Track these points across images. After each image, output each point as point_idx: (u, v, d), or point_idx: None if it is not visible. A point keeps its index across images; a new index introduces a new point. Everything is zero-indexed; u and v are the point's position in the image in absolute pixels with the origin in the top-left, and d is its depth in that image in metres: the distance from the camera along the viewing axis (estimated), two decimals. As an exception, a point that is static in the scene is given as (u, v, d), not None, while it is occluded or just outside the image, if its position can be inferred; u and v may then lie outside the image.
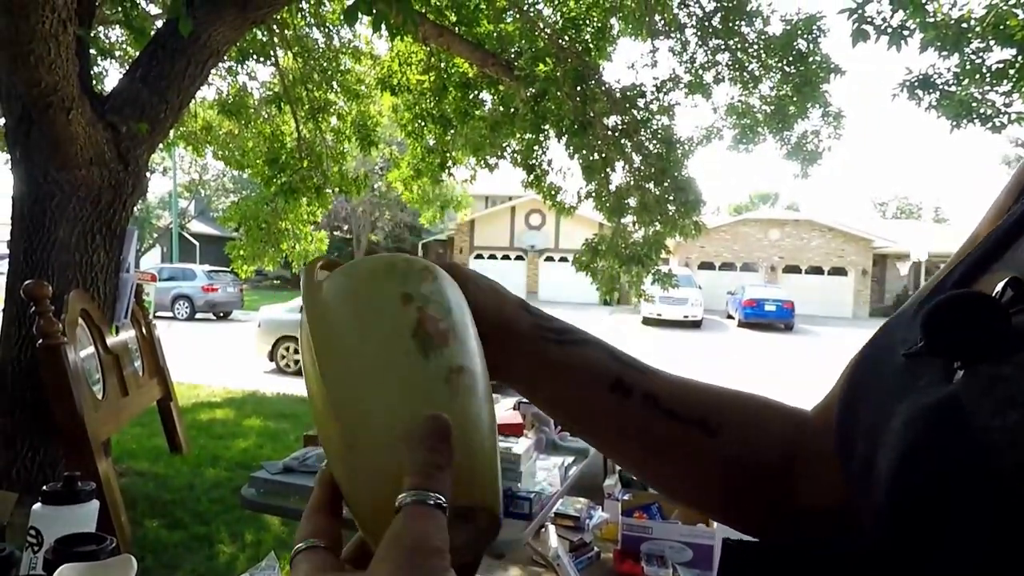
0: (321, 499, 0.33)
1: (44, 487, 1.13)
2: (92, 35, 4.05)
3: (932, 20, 4.31)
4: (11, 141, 3.20)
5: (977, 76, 4.51)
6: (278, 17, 5.84)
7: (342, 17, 4.50)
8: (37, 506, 1.10)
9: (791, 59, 5.82)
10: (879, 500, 0.25)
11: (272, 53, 6.64)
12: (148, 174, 3.72)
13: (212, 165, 25.22)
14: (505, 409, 2.61)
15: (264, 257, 7.29)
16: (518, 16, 6.11)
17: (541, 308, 0.46)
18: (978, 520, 0.21)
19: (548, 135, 6.43)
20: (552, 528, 2.42)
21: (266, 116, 7.32)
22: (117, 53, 6.73)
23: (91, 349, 3.22)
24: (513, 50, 6.13)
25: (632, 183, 6.36)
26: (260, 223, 7.13)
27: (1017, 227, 0.29)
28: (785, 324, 18.08)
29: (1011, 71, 4.43)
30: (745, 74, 6.14)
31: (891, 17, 4.28)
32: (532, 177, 6.82)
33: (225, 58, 5.71)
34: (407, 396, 0.31)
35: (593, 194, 6.46)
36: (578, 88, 5.72)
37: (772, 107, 6.23)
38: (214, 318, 16.49)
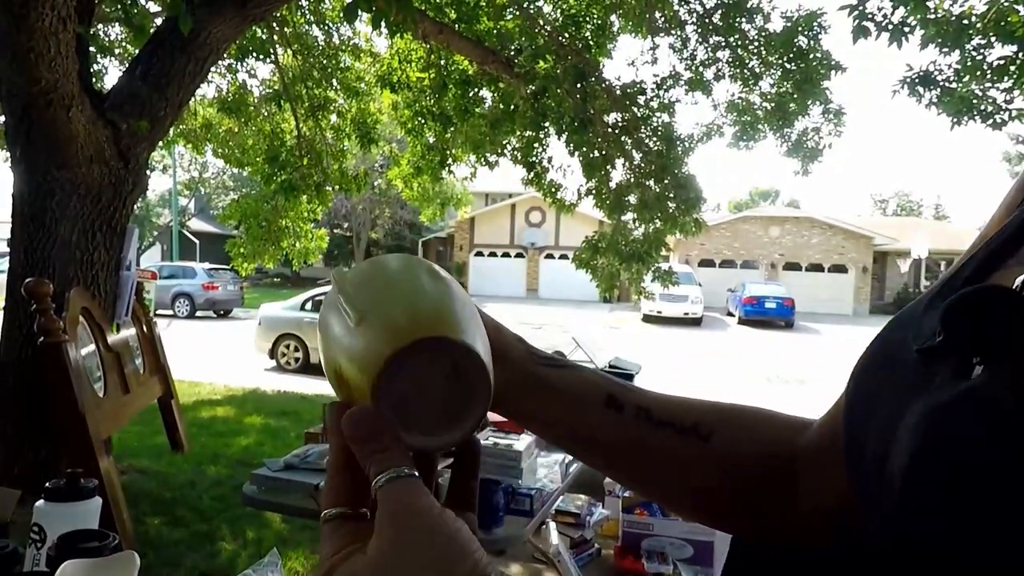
0: (342, 460, 0.33)
1: (47, 484, 1.13)
2: (92, 33, 4.05)
3: (933, 16, 4.30)
4: (11, 139, 3.20)
5: (978, 73, 4.51)
6: (278, 15, 5.83)
7: (342, 15, 4.50)
8: (40, 503, 1.10)
9: (792, 56, 5.81)
10: (891, 497, 0.25)
11: (272, 51, 6.63)
12: (148, 172, 3.72)
13: (212, 163, 25.22)
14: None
15: (264, 255, 7.29)
16: (518, 13, 6.10)
17: (541, 305, 0.47)
18: (1009, 515, 0.20)
19: (548, 132, 6.42)
20: (553, 525, 2.42)
21: (266, 114, 7.32)
22: (117, 51, 6.72)
23: (92, 347, 3.22)
24: (513, 47, 6.11)
25: (632, 180, 6.35)
26: (260, 221, 7.13)
27: None
28: (785, 321, 18.08)
29: (1012, 68, 4.42)
30: (746, 71, 6.13)
31: (892, 14, 4.27)
32: (532, 174, 6.81)
33: (225, 56, 5.70)
34: (411, 284, 0.35)
35: (593, 191, 6.46)
36: (578, 85, 5.71)
37: (773, 104, 6.22)
38: (214, 316, 16.50)
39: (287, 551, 3.08)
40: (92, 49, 4.48)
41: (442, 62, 6.74)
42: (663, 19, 6.14)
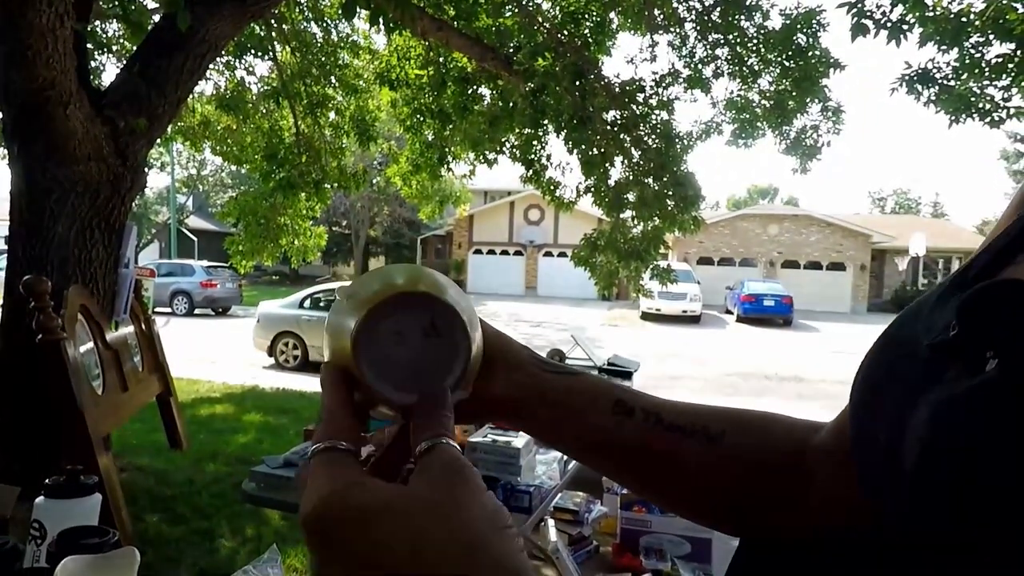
0: (338, 398, 0.33)
1: (47, 481, 1.13)
2: (89, 29, 4.04)
3: (931, 14, 4.30)
4: (9, 137, 3.19)
5: (976, 70, 4.51)
6: (276, 11, 5.81)
7: (340, 11, 4.49)
8: (40, 499, 1.10)
9: (790, 54, 5.81)
10: (903, 488, 0.25)
11: (270, 48, 6.62)
12: (146, 169, 3.71)
13: (210, 160, 25.17)
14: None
15: (263, 252, 7.29)
16: (517, 10, 6.09)
17: (540, 302, 0.47)
18: (1021, 505, 0.20)
19: (547, 130, 6.42)
20: (551, 522, 2.43)
21: (264, 111, 7.30)
22: (115, 48, 6.70)
23: (91, 345, 3.22)
24: (512, 45, 6.11)
25: (631, 178, 6.35)
26: (259, 218, 7.13)
27: None
28: (784, 319, 18.11)
29: (1010, 65, 4.42)
30: (744, 69, 6.13)
31: (890, 11, 4.27)
32: (531, 172, 6.81)
33: (223, 53, 5.69)
34: (408, 267, 0.37)
35: (592, 189, 6.46)
36: (577, 83, 5.70)
37: (771, 102, 6.22)
38: (213, 314, 16.49)
39: (286, 548, 3.09)
40: (90, 46, 4.46)
41: (441, 59, 6.73)
42: (662, 16, 6.14)
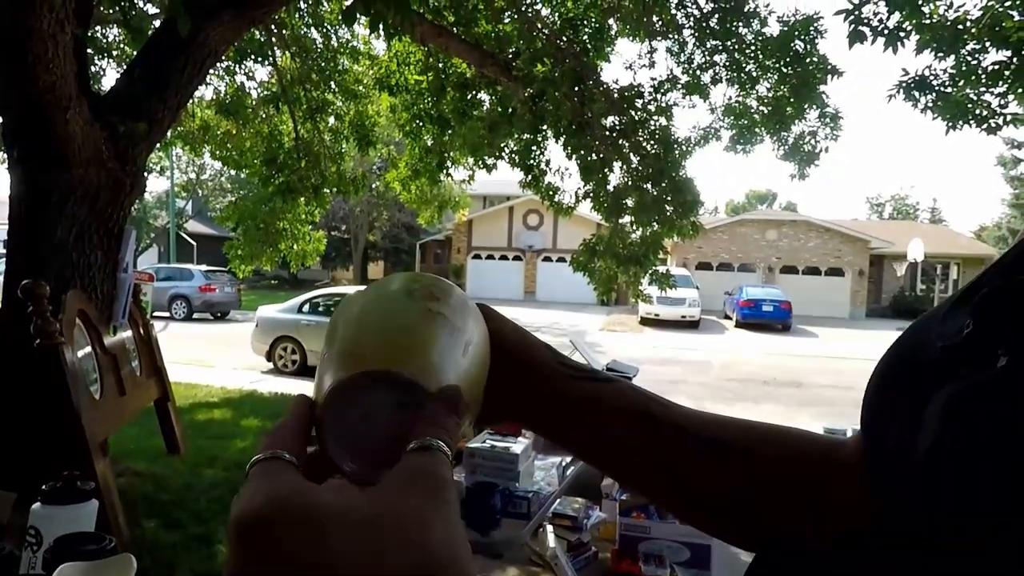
0: (293, 421, 0.31)
1: (43, 487, 1.13)
2: (90, 34, 4.05)
3: (928, 22, 4.33)
4: (9, 141, 3.19)
5: (973, 77, 4.53)
6: (276, 17, 5.83)
7: (340, 17, 4.51)
8: (36, 506, 1.10)
9: (788, 60, 5.84)
10: (915, 477, 0.26)
11: (270, 53, 6.64)
12: (146, 174, 3.71)
13: (209, 165, 25.18)
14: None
15: (262, 257, 7.30)
16: (516, 16, 6.12)
17: (539, 307, 0.47)
18: None
19: (546, 135, 6.44)
20: (550, 528, 2.42)
21: (264, 116, 7.32)
22: (115, 52, 6.72)
23: (88, 349, 3.21)
24: (511, 50, 6.13)
25: (630, 183, 6.37)
26: (258, 223, 7.13)
27: None
28: (782, 324, 18.12)
29: (1006, 72, 4.45)
30: (742, 75, 6.16)
31: (887, 19, 4.29)
32: (530, 177, 6.83)
33: (223, 58, 5.70)
34: (388, 314, 0.36)
35: (591, 194, 6.47)
36: (576, 88, 5.72)
37: (769, 108, 6.25)
38: (211, 318, 16.46)
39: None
40: (90, 51, 4.47)
41: (440, 65, 6.76)
42: (660, 23, 6.17)
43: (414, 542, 0.24)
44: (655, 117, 6.35)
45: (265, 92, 7.34)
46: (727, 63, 6.18)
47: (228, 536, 0.26)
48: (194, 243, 26.44)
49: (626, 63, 6.82)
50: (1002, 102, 4.63)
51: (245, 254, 7.21)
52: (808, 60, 5.79)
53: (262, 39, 6.43)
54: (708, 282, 21.51)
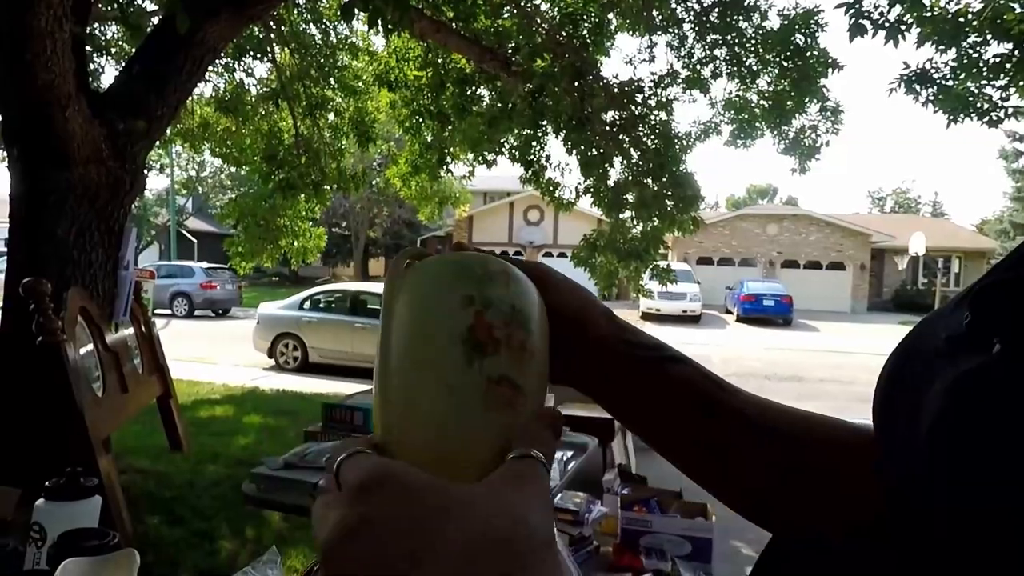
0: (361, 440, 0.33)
1: (47, 483, 1.13)
2: (88, 32, 4.04)
3: (929, 14, 4.31)
4: (8, 139, 3.19)
5: (974, 70, 4.51)
6: (275, 13, 5.82)
7: (339, 13, 4.49)
8: (40, 502, 1.10)
9: (789, 54, 5.81)
10: (920, 450, 0.28)
11: (269, 49, 6.62)
12: (146, 171, 3.71)
13: (210, 162, 25.17)
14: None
15: (262, 254, 7.29)
16: (515, 11, 6.10)
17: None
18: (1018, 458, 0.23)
19: (546, 131, 6.42)
20: (551, 522, 2.42)
21: (263, 113, 7.31)
22: (113, 50, 6.71)
23: (91, 347, 3.22)
24: (510, 46, 6.11)
25: (630, 178, 6.36)
26: (258, 220, 7.13)
27: None
28: (783, 319, 18.12)
29: (1008, 65, 4.43)
30: (743, 69, 6.14)
31: (888, 11, 4.28)
32: (530, 173, 6.82)
33: (222, 55, 5.69)
34: (444, 399, 0.33)
35: (591, 189, 6.46)
36: (576, 83, 5.71)
37: (770, 102, 6.23)
38: (213, 315, 16.49)
39: (287, 549, 3.09)
40: (89, 48, 4.47)
41: (440, 60, 6.74)
42: (660, 17, 6.15)
43: (519, 518, 0.27)
44: (655, 112, 6.33)
45: (264, 89, 7.33)
46: (727, 57, 6.16)
47: (347, 491, 0.28)
48: (195, 240, 26.45)
49: (626, 58, 6.78)
50: (1004, 95, 4.62)
51: (246, 251, 7.21)
52: (808, 54, 5.77)
53: (261, 35, 6.42)
54: (709, 277, 21.50)
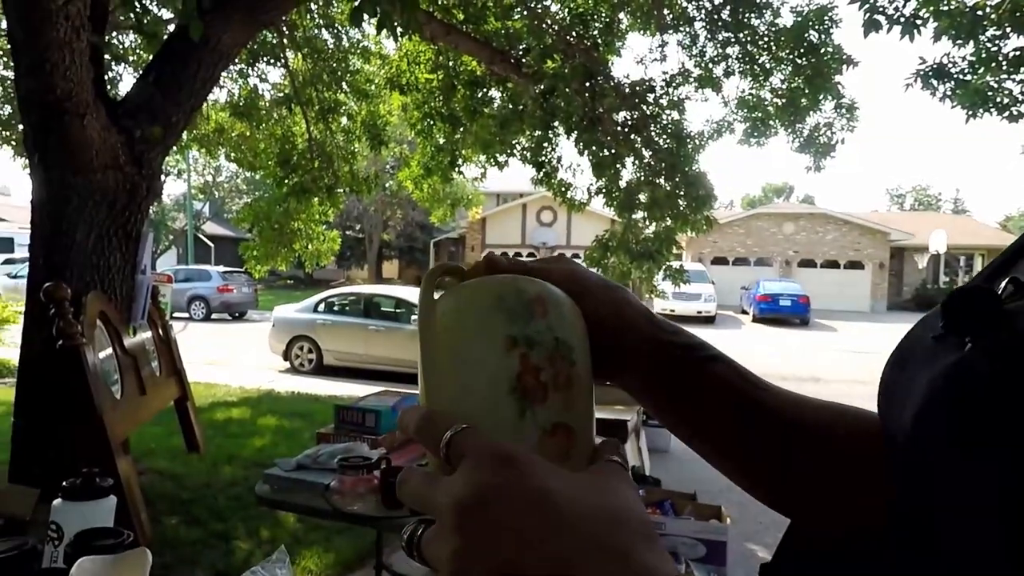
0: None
1: (64, 483, 1.16)
2: (107, 40, 4.12)
3: (946, 8, 4.24)
4: (30, 147, 3.26)
5: (993, 64, 4.43)
6: (287, 19, 5.88)
7: (348, 18, 4.53)
8: (57, 501, 1.13)
9: (802, 51, 5.75)
10: (905, 436, 0.32)
11: (282, 55, 6.70)
12: (163, 177, 3.77)
13: (226, 167, 25.51)
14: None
15: (277, 257, 7.37)
16: (525, 13, 6.11)
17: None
18: (984, 442, 0.27)
19: (557, 132, 6.42)
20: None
21: (277, 118, 7.39)
22: (131, 58, 6.83)
23: (109, 350, 3.28)
24: (521, 47, 6.12)
25: (642, 178, 6.33)
26: (272, 224, 7.20)
27: None
28: (801, 319, 17.90)
29: (1028, 58, 4.34)
30: (756, 67, 6.09)
31: (903, 6, 4.22)
32: (542, 174, 6.82)
33: (236, 61, 5.76)
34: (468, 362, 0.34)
35: (603, 190, 6.45)
36: (587, 84, 5.70)
37: (784, 100, 6.17)
38: (229, 318, 16.68)
39: (301, 550, 3.11)
40: (107, 56, 4.55)
41: (450, 63, 6.77)
42: (671, 16, 6.12)
43: (635, 510, 0.31)
44: (667, 111, 6.30)
45: (278, 94, 7.41)
46: (740, 55, 6.12)
47: (477, 460, 0.30)
48: (211, 244, 26.80)
49: (637, 57, 6.74)
50: (1023, 89, 4.53)
51: (260, 255, 7.29)
52: (823, 51, 5.70)
53: (274, 41, 6.50)
54: (724, 277, 21.31)
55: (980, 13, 4.25)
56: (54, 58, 2.60)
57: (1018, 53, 4.37)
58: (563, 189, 6.89)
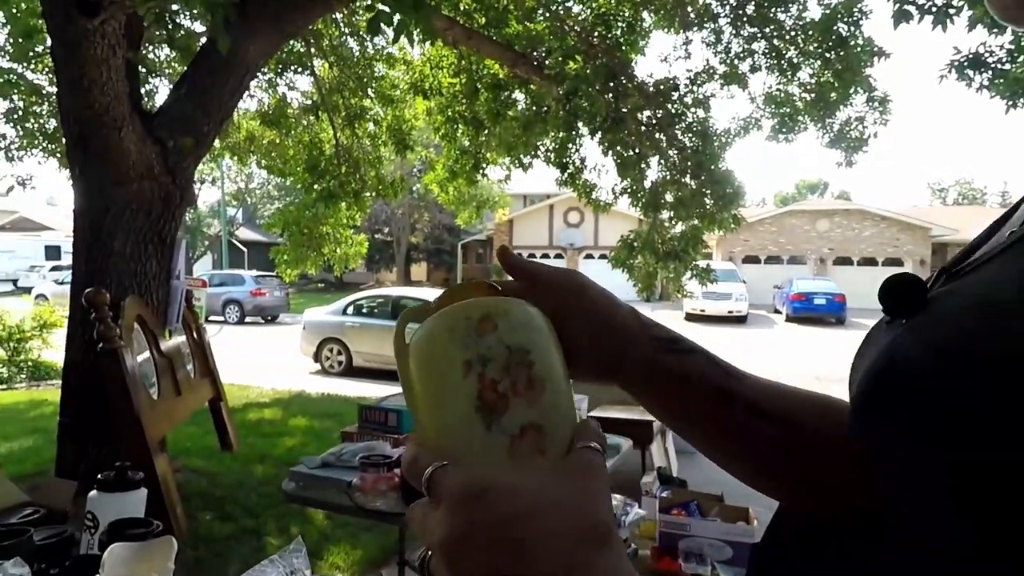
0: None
1: (99, 476, 1.23)
2: (143, 54, 4.29)
3: (981, -5, 4.10)
4: (71, 159, 3.42)
5: (1033, 52, 4.27)
6: (313, 28, 6.02)
7: (366, 27, 4.61)
8: (93, 493, 1.20)
9: (831, 44, 5.62)
10: (855, 403, 0.38)
11: (309, 63, 6.85)
12: (197, 184, 3.91)
13: (257, 173, 26.15)
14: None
15: (306, 261, 7.52)
16: (547, 15, 6.12)
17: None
18: (910, 408, 0.32)
19: (581, 132, 6.41)
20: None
21: (305, 125, 7.56)
22: (167, 71, 7.08)
23: (147, 353, 3.40)
24: (543, 49, 6.13)
25: (668, 178, 6.27)
26: (302, 229, 7.36)
27: (983, 237, 0.41)
28: (836, 318, 17.43)
29: (1071, 44, 4.17)
30: (783, 62, 5.97)
31: (935, -5, 4.09)
32: (567, 175, 6.81)
33: (265, 70, 5.91)
34: (474, 463, 0.35)
35: (629, 190, 6.40)
36: (610, 84, 5.68)
37: (812, 94, 6.04)
38: (262, 321, 17.07)
39: (329, 546, 3.18)
40: (143, 70, 4.73)
41: (473, 67, 6.82)
42: (694, 13, 6.05)
43: (590, 512, 0.32)
44: (692, 109, 6.23)
45: (306, 101, 7.58)
46: (766, 50, 6.01)
47: (450, 503, 0.32)
48: (245, 249, 27.46)
49: (661, 56, 6.68)
50: (1066, 76, 4.35)
51: (291, 259, 7.45)
52: (852, 43, 5.56)
53: (302, 50, 6.65)
54: (756, 276, 20.90)
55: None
56: (92, 74, 2.73)
57: (1060, 39, 4.20)
58: (588, 190, 6.87)
